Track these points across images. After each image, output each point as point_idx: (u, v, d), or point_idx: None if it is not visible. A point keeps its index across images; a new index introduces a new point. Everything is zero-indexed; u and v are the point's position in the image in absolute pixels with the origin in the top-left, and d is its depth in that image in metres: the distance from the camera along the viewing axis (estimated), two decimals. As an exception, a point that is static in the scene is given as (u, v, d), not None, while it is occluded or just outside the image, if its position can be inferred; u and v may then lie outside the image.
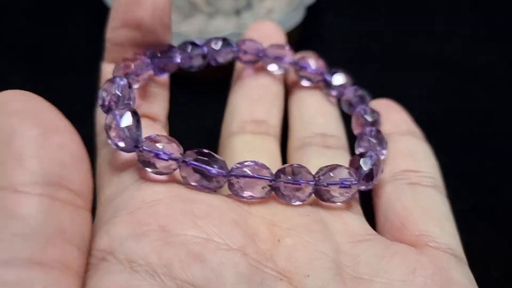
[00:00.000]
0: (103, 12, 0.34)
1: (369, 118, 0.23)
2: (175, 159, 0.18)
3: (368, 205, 0.22)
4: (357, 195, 0.21)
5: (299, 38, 0.35)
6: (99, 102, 0.19)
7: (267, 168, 0.19)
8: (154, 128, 0.21)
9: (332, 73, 0.25)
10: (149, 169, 0.18)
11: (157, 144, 0.18)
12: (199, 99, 0.33)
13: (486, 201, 0.30)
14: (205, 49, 0.23)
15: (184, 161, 0.18)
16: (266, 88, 0.25)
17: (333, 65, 0.26)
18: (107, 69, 0.22)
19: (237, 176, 0.18)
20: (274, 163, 0.22)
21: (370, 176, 0.20)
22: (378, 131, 0.22)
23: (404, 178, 0.21)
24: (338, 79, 0.25)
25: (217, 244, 0.17)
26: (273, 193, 0.19)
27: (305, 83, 0.25)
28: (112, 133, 0.18)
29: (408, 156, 0.22)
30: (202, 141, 0.24)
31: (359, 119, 0.23)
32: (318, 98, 0.25)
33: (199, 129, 0.31)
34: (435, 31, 0.37)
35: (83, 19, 0.37)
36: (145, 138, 0.18)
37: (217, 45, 0.23)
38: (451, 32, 0.37)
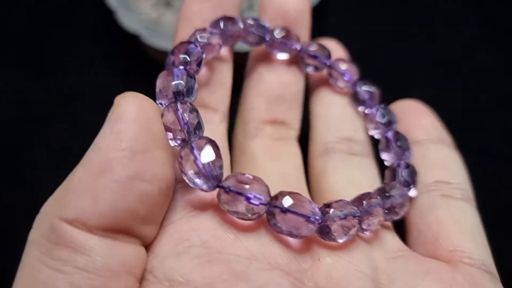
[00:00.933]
0: (105, 13, 0.34)
1: (382, 119, 0.23)
2: (265, 204, 0.16)
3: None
4: None
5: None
6: (158, 97, 0.17)
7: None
8: (213, 122, 0.20)
9: (362, 84, 0.24)
10: (234, 215, 0.16)
11: (246, 186, 0.16)
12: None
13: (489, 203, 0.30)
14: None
15: (276, 207, 0.16)
16: (286, 86, 0.23)
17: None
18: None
19: (333, 221, 0.17)
20: (297, 172, 0.22)
21: (396, 205, 0.20)
22: (398, 133, 0.22)
23: (436, 189, 0.21)
24: (368, 92, 0.24)
25: (260, 263, 0.16)
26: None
27: (340, 83, 0.24)
28: (189, 169, 0.16)
29: (441, 167, 0.22)
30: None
31: (372, 120, 0.23)
32: (344, 101, 0.24)
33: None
34: (437, 32, 0.37)
35: (85, 20, 0.36)
36: (230, 176, 0.16)
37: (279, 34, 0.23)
38: (453, 33, 0.37)
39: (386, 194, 0.20)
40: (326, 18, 0.38)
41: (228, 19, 0.21)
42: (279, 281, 0.16)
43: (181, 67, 0.18)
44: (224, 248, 0.16)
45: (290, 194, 0.17)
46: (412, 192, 0.21)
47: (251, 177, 0.16)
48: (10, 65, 0.35)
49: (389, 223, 0.20)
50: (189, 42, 0.19)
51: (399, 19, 0.38)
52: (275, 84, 0.23)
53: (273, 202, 0.16)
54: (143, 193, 0.15)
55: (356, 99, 0.24)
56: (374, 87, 0.24)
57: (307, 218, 0.17)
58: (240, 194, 0.16)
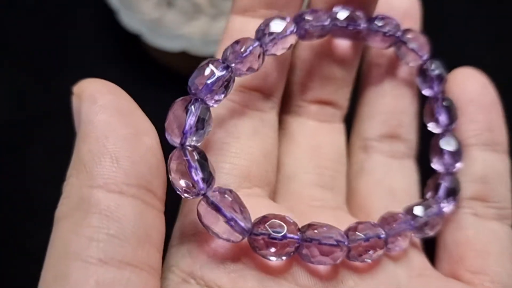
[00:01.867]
0: (106, 13, 0.34)
1: (444, 119, 0.21)
2: (295, 238, 0.16)
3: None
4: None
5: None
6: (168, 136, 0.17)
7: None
8: (263, 109, 0.20)
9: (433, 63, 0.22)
10: (268, 257, 0.17)
11: (274, 229, 0.16)
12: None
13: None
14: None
15: (307, 240, 0.17)
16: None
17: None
18: (235, 24, 0.20)
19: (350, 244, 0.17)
20: (339, 156, 0.21)
21: (426, 224, 0.19)
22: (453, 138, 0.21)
23: (470, 207, 0.20)
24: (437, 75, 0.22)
25: (289, 283, 0.17)
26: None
27: (412, 62, 0.22)
28: (215, 227, 0.16)
29: (481, 181, 0.21)
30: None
31: (432, 111, 0.22)
32: (398, 92, 0.22)
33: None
34: (444, 34, 0.37)
35: (86, 19, 0.36)
36: (258, 221, 0.16)
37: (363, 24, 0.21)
38: (456, 33, 0.37)
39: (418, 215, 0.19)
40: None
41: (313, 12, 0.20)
42: None
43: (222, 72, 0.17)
44: (257, 265, 0.17)
45: (316, 226, 0.17)
46: (448, 208, 0.20)
47: (278, 218, 0.17)
48: (10, 65, 0.35)
49: (416, 241, 0.20)
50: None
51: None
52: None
53: (303, 235, 0.17)
54: (147, 146, 0.15)
55: (423, 78, 0.22)
56: (444, 70, 0.22)
57: (335, 246, 0.17)
58: (272, 239, 0.16)
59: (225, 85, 0.17)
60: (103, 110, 0.15)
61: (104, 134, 0.15)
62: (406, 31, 0.21)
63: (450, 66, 0.23)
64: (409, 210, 0.19)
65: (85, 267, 0.14)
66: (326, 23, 0.20)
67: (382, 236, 0.18)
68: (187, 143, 0.16)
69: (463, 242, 0.20)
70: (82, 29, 0.36)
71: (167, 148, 0.17)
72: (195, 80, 0.17)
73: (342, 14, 0.20)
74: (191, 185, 0.16)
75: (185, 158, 0.16)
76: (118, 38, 0.35)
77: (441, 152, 0.21)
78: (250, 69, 0.18)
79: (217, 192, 0.16)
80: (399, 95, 0.22)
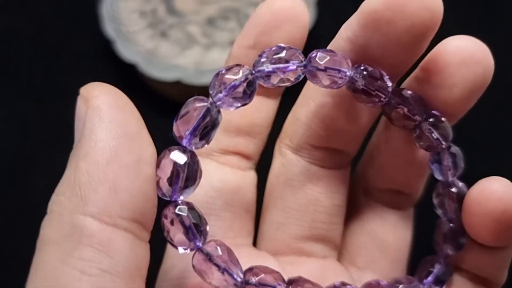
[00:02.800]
0: (103, 43, 0.35)
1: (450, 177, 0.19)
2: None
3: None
4: None
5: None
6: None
7: None
8: (244, 176, 0.20)
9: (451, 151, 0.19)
10: None
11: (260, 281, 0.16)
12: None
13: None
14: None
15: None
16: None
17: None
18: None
19: None
20: (338, 207, 0.21)
21: None
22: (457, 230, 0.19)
23: None
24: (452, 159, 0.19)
25: None
26: None
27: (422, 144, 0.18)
28: (210, 277, 0.16)
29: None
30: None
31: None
32: (413, 152, 0.20)
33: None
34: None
35: (84, 50, 0.37)
36: (247, 271, 0.16)
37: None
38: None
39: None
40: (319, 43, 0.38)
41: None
42: None
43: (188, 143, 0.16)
44: None
45: (300, 283, 0.17)
46: None
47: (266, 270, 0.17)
48: (10, 93, 0.36)
49: None
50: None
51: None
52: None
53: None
54: (146, 176, 0.15)
55: (439, 165, 0.19)
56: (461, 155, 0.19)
57: None
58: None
59: (209, 129, 0.16)
60: (109, 130, 0.14)
61: (106, 159, 0.14)
62: (430, 114, 0.18)
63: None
64: (394, 286, 0.19)
65: None
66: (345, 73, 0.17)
67: None
68: (179, 200, 0.16)
69: None
70: (80, 59, 0.37)
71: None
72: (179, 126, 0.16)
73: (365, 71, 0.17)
74: (186, 239, 0.16)
75: (180, 214, 0.16)
76: (114, 67, 0.36)
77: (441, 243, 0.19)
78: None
79: (211, 244, 0.16)
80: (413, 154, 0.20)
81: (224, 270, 0.16)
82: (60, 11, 0.38)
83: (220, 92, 0.16)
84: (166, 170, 0.15)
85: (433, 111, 0.18)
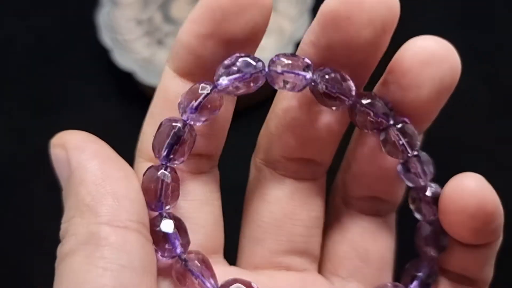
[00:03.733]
0: (100, 52, 0.35)
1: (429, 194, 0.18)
2: None
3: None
4: None
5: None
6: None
7: None
8: (206, 183, 0.19)
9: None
10: None
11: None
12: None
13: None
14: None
15: None
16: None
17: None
18: (166, 80, 0.19)
19: None
20: (316, 219, 0.21)
21: None
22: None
23: None
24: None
25: None
26: None
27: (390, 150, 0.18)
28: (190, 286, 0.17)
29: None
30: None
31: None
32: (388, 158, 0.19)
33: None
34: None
35: (81, 59, 0.38)
36: (225, 284, 0.17)
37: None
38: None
39: None
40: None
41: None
42: None
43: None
44: None
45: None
46: None
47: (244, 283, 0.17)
48: (8, 102, 0.36)
49: None
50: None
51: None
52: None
53: None
54: (136, 187, 0.17)
55: (408, 173, 0.19)
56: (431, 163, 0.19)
57: None
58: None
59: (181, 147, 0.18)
60: (95, 157, 0.17)
61: (101, 178, 0.16)
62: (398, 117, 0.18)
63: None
64: None
65: None
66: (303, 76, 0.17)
67: None
68: (164, 211, 0.18)
69: None
70: (78, 68, 0.37)
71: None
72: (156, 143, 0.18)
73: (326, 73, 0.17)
74: (169, 248, 0.17)
75: (163, 225, 0.17)
76: (112, 76, 0.36)
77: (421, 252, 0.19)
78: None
79: (192, 255, 0.17)
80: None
81: (198, 277, 0.17)
82: (57, 21, 0.38)
83: (185, 112, 0.17)
84: (151, 186, 0.17)
85: (402, 118, 0.18)
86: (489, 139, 0.34)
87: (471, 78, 0.36)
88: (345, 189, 0.20)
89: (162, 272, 0.17)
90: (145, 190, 0.17)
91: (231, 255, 0.20)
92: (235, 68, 0.17)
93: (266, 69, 0.17)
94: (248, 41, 0.17)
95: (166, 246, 0.17)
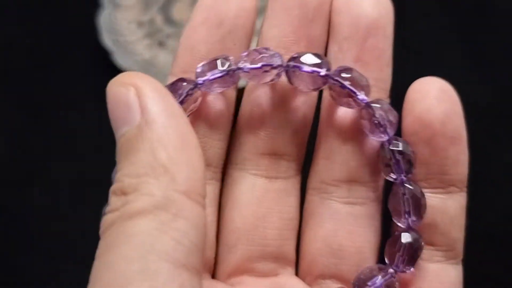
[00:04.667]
0: (101, 54, 0.35)
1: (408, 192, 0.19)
2: None
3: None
4: None
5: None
6: None
7: None
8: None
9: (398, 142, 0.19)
10: None
11: None
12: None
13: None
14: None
15: None
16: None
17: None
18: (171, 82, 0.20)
19: None
20: (289, 220, 0.20)
21: None
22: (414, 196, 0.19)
23: None
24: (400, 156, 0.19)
25: None
26: None
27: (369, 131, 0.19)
28: None
29: (429, 226, 0.19)
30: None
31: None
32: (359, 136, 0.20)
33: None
34: (423, 63, 0.38)
35: (82, 60, 0.38)
36: None
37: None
38: (436, 59, 0.38)
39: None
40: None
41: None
42: None
43: None
44: None
45: None
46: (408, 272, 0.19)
47: None
48: (8, 104, 0.36)
49: None
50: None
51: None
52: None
53: None
54: (202, 154, 0.16)
55: (383, 158, 0.19)
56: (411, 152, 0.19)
57: None
58: None
59: None
60: (172, 116, 0.15)
61: (181, 143, 0.15)
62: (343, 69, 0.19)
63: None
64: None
65: (173, 269, 0.14)
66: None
67: None
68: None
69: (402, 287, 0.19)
70: (79, 70, 0.37)
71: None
72: None
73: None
74: None
75: None
76: (112, 78, 0.36)
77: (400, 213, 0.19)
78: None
79: None
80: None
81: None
82: (58, 23, 0.38)
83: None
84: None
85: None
86: (489, 140, 0.34)
87: (470, 80, 0.36)
88: (319, 174, 0.20)
89: None
90: None
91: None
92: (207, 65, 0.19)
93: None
94: (239, 24, 0.19)
95: None
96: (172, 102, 0.16)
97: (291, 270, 0.20)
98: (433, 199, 0.19)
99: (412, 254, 0.19)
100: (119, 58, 0.34)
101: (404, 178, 0.19)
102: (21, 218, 0.32)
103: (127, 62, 0.34)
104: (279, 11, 0.19)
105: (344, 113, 0.20)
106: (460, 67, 0.37)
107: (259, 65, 0.18)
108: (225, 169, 0.20)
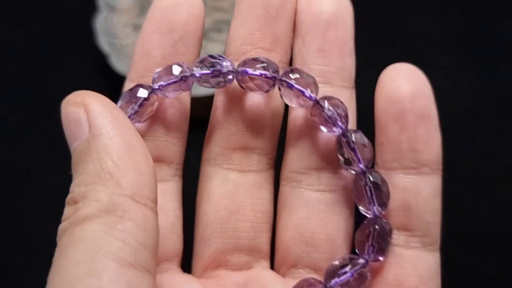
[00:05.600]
0: (98, 57, 0.35)
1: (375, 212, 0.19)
2: None
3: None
4: None
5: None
6: None
7: None
8: (163, 192, 0.20)
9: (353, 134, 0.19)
10: None
11: None
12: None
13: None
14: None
15: None
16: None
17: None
18: (129, 87, 0.20)
19: None
20: (262, 214, 0.21)
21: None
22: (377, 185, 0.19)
23: (392, 238, 0.19)
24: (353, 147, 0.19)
25: None
26: None
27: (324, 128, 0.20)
28: None
29: (402, 210, 0.19)
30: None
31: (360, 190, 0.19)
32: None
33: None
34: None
35: (79, 64, 0.38)
36: None
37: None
38: (431, 61, 0.38)
39: (338, 272, 0.19)
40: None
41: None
42: None
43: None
44: None
45: None
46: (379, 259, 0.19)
47: None
48: (4, 107, 0.36)
49: None
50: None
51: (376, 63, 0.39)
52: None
53: None
54: (152, 162, 0.17)
55: (340, 150, 0.20)
56: (367, 142, 0.20)
57: None
58: None
59: None
60: (118, 127, 0.16)
61: (126, 149, 0.16)
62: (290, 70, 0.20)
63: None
64: (329, 273, 0.19)
65: (119, 268, 0.15)
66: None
67: None
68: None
69: (378, 275, 0.19)
70: (75, 73, 0.37)
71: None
72: None
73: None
74: None
75: None
76: (109, 81, 0.36)
77: (363, 196, 0.19)
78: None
79: None
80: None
81: None
82: (54, 26, 0.39)
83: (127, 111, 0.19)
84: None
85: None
86: (488, 141, 0.34)
87: (468, 81, 0.36)
88: (290, 166, 0.21)
89: None
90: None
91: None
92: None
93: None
94: (189, 31, 0.20)
95: None
96: (118, 114, 0.17)
97: (265, 263, 0.21)
98: (406, 179, 0.19)
99: (381, 243, 0.19)
100: (115, 61, 0.34)
101: (363, 168, 0.19)
102: (17, 220, 0.32)
103: (123, 65, 0.34)
104: (245, 11, 0.20)
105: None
106: (457, 66, 0.37)
107: (209, 71, 0.19)
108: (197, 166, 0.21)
